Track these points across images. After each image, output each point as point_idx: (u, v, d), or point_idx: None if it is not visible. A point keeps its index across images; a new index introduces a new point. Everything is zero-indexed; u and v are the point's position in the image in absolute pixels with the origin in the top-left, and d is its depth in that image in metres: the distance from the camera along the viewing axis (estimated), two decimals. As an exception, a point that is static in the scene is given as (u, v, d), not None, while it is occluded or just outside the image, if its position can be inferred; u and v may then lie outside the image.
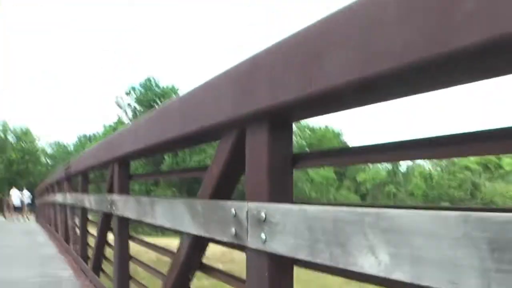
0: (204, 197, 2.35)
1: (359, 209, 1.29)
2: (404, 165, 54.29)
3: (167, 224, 2.84)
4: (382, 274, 1.18)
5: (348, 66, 1.30)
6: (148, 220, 3.22)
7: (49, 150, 65.50)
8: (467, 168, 51.89)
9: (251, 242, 1.81)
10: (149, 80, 52.02)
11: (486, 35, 0.92)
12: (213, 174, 2.31)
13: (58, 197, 10.61)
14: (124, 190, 4.32)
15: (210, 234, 2.20)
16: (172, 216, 2.73)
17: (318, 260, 1.44)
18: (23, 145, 49.87)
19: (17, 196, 29.09)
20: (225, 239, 2.05)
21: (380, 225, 1.18)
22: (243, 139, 2.03)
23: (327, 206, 1.44)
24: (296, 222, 1.53)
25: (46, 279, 6.53)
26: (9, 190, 30.83)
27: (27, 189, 31.05)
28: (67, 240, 9.20)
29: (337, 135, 55.06)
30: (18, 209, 28.53)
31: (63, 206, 9.88)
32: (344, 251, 1.31)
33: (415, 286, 1.08)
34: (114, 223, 4.53)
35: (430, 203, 44.55)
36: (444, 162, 55.45)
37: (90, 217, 7.71)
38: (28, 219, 26.76)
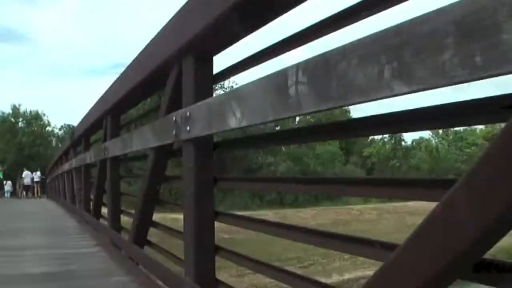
0: (161, 116, 3.15)
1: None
2: (409, 139, 54.36)
3: (139, 146, 3.66)
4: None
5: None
6: (127, 150, 4.05)
7: (60, 133, 66.45)
8: (474, 144, 52.14)
9: (183, 135, 2.62)
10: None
11: None
12: (167, 97, 3.11)
13: (66, 166, 11.50)
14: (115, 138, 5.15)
15: (162, 141, 3.02)
16: (142, 140, 3.56)
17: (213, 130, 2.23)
18: (33, 129, 50.78)
19: (29, 176, 30.47)
20: (169, 140, 2.86)
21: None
22: (181, 72, 2.83)
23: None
24: (204, 112, 2.33)
25: (55, 228, 7.63)
26: (21, 173, 31.99)
27: (39, 170, 32.16)
28: (74, 202, 10.07)
29: (345, 112, 55.52)
30: (29, 188, 29.99)
31: (70, 172, 10.74)
32: (222, 117, 2.12)
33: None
34: (107, 166, 5.36)
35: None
36: (451, 137, 55.71)
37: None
38: (40, 196, 27.95)
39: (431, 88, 1.05)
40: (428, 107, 1.38)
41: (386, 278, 1.24)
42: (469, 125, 1.34)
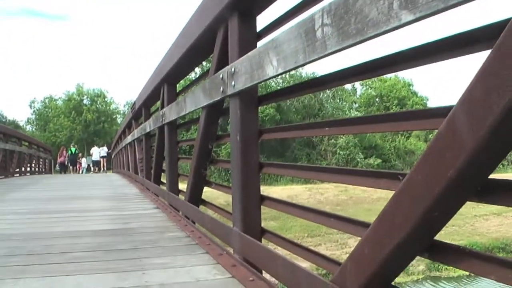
0: (210, 76, 3.29)
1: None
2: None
3: (192, 107, 3.83)
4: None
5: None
6: (182, 112, 4.23)
7: (125, 110, 68.16)
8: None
9: (229, 90, 2.75)
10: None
11: None
12: (215, 58, 3.26)
13: (128, 138, 11.91)
14: (171, 104, 5.35)
15: (212, 98, 3.16)
16: (194, 100, 3.72)
17: (255, 81, 2.35)
18: (98, 106, 52.37)
19: (97, 152, 31.74)
20: (218, 97, 3.00)
21: None
22: (227, 32, 2.96)
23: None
24: (246, 65, 2.45)
25: (117, 195, 8.08)
26: (88, 150, 33.33)
27: (105, 146, 33.36)
28: (136, 172, 10.45)
29: (407, 85, 54.23)
30: (97, 163, 31.24)
31: (132, 144, 11.13)
32: (261, 68, 2.24)
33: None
34: (165, 131, 5.58)
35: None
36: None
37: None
38: (105, 171, 29.01)
39: (433, 14, 1.14)
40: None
41: (398, 202, 1.35)
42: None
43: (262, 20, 2.80)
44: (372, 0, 1.31)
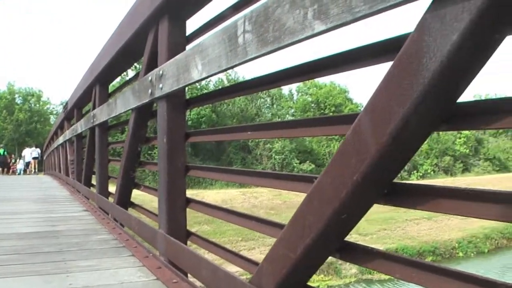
0: (140, 78, 3.28)
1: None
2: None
3: (122, 109, 3.80)
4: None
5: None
6: (113, 114, 4.19)
7: (59, 110, 66.37)
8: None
9: (157, 93, 2.76)
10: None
11: None
12: (145, 61, 3.25)
13: (60, 139, 11.63)
14: (103, 105, 5.29)
15: (141, 101, 3.16)
16: (124, 102, 3.70)
17: (181, 84, 2.37)
18: (30, 105, 50.76)
19: (29, 153, 30.71)
20: (146, 100, 3.00)
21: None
22: (157, 35, 2.97)
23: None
24: (174, 68, 2.47)
25: (47, 197, 7.88)
26: (19, 150, 32.21)
27: (37, 147, 32.35)
28: (67, 173, 10.22)
29: (343, 92, 55.16)
30: (28, 165, 30.27)
31: (64, 145, 10.87)
32: (187, 71, 2.26)
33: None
34: (96, 133, 5.50)
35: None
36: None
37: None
38: (36, 173, 28.12)
39: (343, 25, 1.20)
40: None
41: (309, 204, 1.40)
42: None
43: (192, 24, 2.83)
44: (290, 9, 1.36)
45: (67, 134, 9.53)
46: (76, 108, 8.13)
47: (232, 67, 1.75)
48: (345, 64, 1.56)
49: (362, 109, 1.20)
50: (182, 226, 2.79)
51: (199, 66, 2.07)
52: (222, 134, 2.75)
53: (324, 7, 1.23)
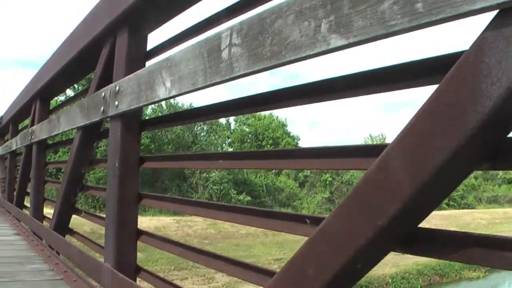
0: (90, 94, 2.99)
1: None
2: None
3: (66, 127, 3.48)
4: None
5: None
6: (55, 131, 3.84)
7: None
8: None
9: (111, 111, 2.48)
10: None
11: None
12: (97, 75, 2.96)
13: (-8, 156, 10.97)
14: (43, 121, 4.91)
15: (90, 119, 2.86)
16: (69, 119, 3.38)
17: (142, 102, 2.11)
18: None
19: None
20: (97, 118, 2.71)
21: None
22: (114, 48, 2.70)
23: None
24: (133, 85, 2.21)
25: None
26: None
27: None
28: (-2, 192, 9.61)
29: (282, 125, 55.44)
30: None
31: (-5, 162, 10.25)
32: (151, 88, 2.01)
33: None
34: (33, 151, 5.09)
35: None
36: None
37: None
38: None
39: (369, 41, 0.99)
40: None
41: (314, 247, 1.17)
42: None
43: (154, 39, 2.58)
44: (295, 21, 1.15)
45: (0, 150, 8.96)
46: (12, 124, 7.63)
47: (212, 85, 1.52)
48: (379, 85, 1.30)
49: (391, 141, 0.98)
50: (131, 261, 2.49)
51: (167, 83, 1.82)
52: (183, 161, 2.48)
53: (344, 18, 1.02)
